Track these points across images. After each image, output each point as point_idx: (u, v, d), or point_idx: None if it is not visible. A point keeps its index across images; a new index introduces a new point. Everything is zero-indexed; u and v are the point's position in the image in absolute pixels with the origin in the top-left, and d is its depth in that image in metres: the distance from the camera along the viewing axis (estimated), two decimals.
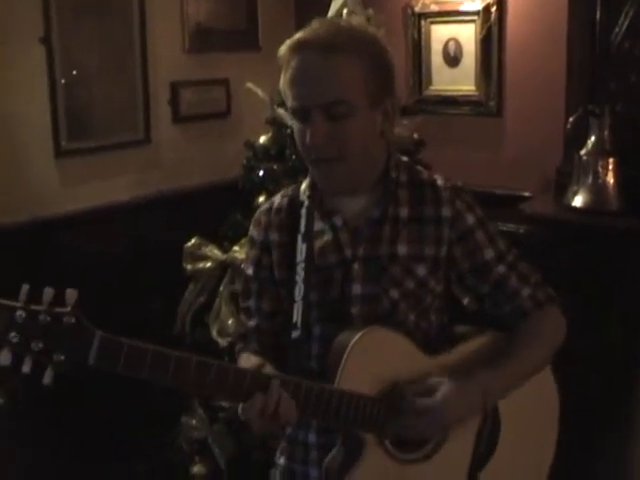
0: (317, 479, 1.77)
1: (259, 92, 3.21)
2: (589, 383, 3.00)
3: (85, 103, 3.52)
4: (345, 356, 1.64)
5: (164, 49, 3.78)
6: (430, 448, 1.72)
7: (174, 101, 3.85)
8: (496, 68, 3.76)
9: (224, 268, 3.19)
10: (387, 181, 1.79)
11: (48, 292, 1.44)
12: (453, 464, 1.75)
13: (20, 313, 1.42)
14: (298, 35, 1.72)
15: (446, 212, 1.78)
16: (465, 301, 1.89)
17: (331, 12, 3.02)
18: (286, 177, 3.05)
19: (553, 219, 3.37)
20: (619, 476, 3.06)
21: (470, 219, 1.80)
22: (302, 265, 1.75)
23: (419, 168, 1.88)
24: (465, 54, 3.84)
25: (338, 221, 1.79)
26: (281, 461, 1.89)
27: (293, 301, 1.75)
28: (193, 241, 3.23)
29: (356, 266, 1.77)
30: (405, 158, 1.89)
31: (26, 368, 1.44)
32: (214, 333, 3.16)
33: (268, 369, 1.66)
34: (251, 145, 3.25)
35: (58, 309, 1.46)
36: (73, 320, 1.46)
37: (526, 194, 3.63)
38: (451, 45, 3.88)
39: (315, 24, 1.73)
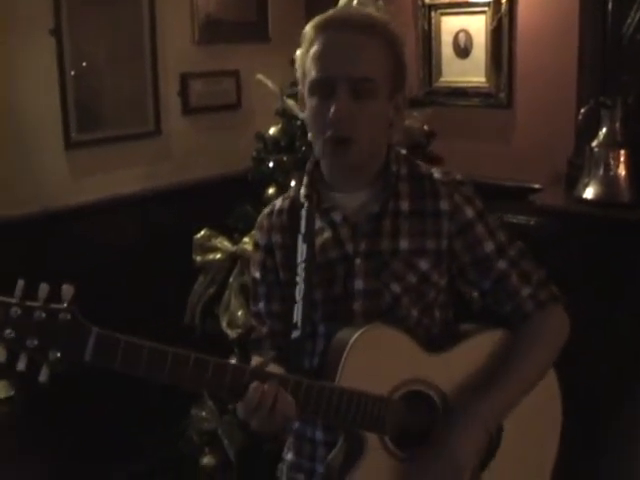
0: (323, 475, 1.77)
1: (269, 84, 3.20)
2: (598, 375, 3.00)
3: (95, 95, 3.52)
4: (345, 354, 1.63)
5: (174, 40, 3.78)
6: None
7: (184, 93, 3.86)
8: (506, 59, 3.75)
9: (234, 260, 3.19)
10: (387, 174, 1.78)
11: (44, 288, 1.43)
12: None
13: (15, 309, 1.42)
14: (326, 15, 1.73)
15: (444, 206, 1.77)
16: (474, 295, 1.88)
17: (341, 3, 3.01)
18: (296, 168, 3.04)
19: (564, 211, 3.36)
20: (623, 473, 3.05)
21: (469, 212, 1.79)
22: (303, 265, 1.75)
23: (418, 162, 1.87)
24: (475, 45, 3.83)
25: (337, 217, 1.78)
26: (289, 456, 1.89)
27: (294, 301, 1.74)
28: (203, 233, 3.23)
29: (358, 261, 1.76)
30: (404, 151, 1.89)
31: (21, 365, 1.43)
32: (224, 325, 3.16)
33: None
34: (261, 137, 3.25)
35: (54, 305, 1.45)
36: (69, 316, 1.45)
37: (536, 186, 3.62)
38: (461, 36, 3.87)
39: (342, 8, 1.75)
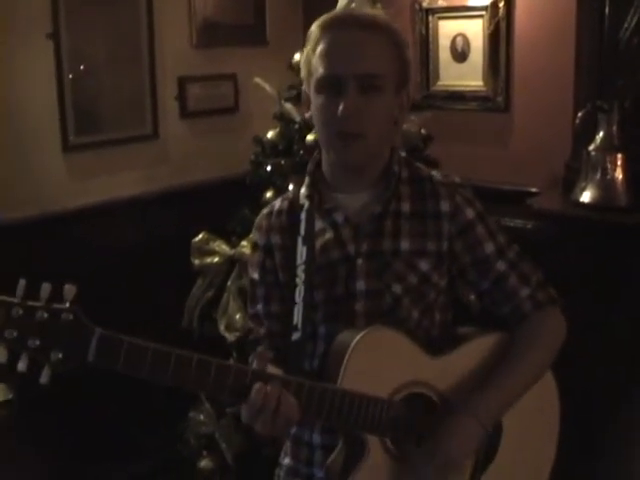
0: (322, 479, 1.77)
1: (267, 87, 3.21)
2: (594, 378, 3.00)
3: (93, 98, 3.52)
4: (347, 356, 1.64)
5: (171, 44, 3.79)
6: None
7: (182, 96, 3.86)
8: (504, 63, 3.75)
9: (232, 263, 3.20)
10: (390, 175, 1.79)
11: (46, 288, 1.42)
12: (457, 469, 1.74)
13: (17, 309, 1.40)
14: (331, 14, 1.75)
15: (445, 207, 1.78)
16: (472, 297, 1.89)
17: (339, 7, 3.01)
18: (294, 172, 3.05)
19: (561, 215, 3.36)
20: (620, 476, 3.06)
21: (470, 213, 1.80)
22: (302, 267, 1.75)
23: (418, 164, 1.88)
24: (473, 49, 3.84)
25: (339, 217, 1.79)
26: (286, 461, 1.88)
27: (294, 303, 1.74)
28: (201, 236, 3.23)
29: (360, 262, 1.76)
30: (404, 154, 1.89)
31: (22, 366, 1.42)
32: (222, 328, 3.16)
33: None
34: (259, 140, 3.25)
35: (56, 305, 1.43)
36: (71, 317, 1.44)
37: (534, 190, 3.63)
38: (459, 40, 3.88)
39: (346, 10, 1.77)
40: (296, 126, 3.12)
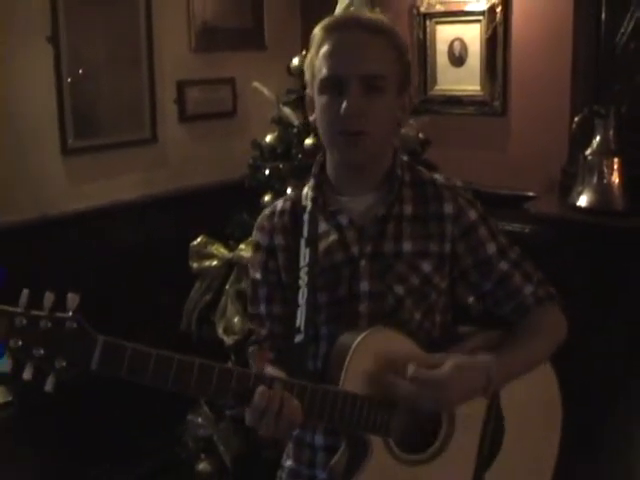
0: None
1: (265, 91, 3.22)
2: (592, 381, 3.01)
3: (92, 102, 3.53)
4: (348, 357, 1.64)
5: (170, 48, 3.80)
6: (435, 449, 1.73)
7: (180, 100, 3.87)
8: (501, 68, 3.76)
9: (230, 266, 3.21)
10: (393, 178, 1.81)
11: (49, 297, 1.42)
12: (458, 465, 1.76)
13: (20, 319, 1.41)
14: (334, 17, 1.78)
15: (448, 209, 1.80)
16: (470, 300, 1.90)
17: (337, 12, 3.03)
18: (292, 176, 3.06)
19: (558, 219, 3.37)
20: (619, 469, 3.07)
21: (472, 215, 1.82)
22: (305, 269, 1.76)
23: (420, 168, 1.89)
24: (470, 54, 3.85)
25: (344, 220, 1.80)
26: (287, 463, 1.89)
27: (297, 305, 1.75)
28: (199, 239, 3.24)
29: (363, 263, 1.77)
30: (406, 158, 1.91)
31: (27, 375, 1.43)
32: (220, 331, 3.17)
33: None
34: (257, 144, 3.26)
35: (59, 314, 1.44)
36: (75, 325, 1.44)
37: (531, 194, 3.63)
38: (456, 45, 3.89)
39: (349, 12, 1.79)
40: (294, 130, 3.13)
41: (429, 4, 3.92)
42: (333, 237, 1.80)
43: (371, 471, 1.66)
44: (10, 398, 2.73)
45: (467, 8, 3.81)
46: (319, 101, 1.75)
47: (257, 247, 1.88)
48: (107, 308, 3.19)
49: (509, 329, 1.83)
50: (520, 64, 3.73)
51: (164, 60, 3.77)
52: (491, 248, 1.81)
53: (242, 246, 3.15)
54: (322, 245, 1.79)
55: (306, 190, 1.86)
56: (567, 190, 3.37)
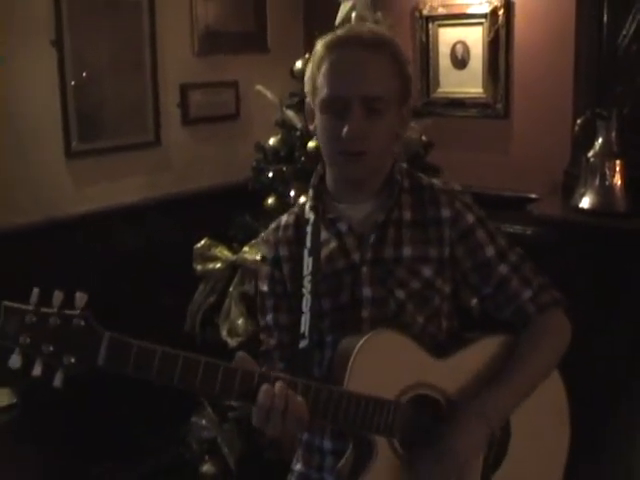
0: None
1: (268, 94, 3.23)
2: (594, 383, 3.02)
3: (95, 105, 3.54)
4: (352, 358, 1.66)
5: (174, 51, 3.81)
6: None
7: (184, 103, 3.88)
8: (503, 70, 3.77)
9: (234, 269, 3.22)
10: (392, 185, 1.83)
11: (58, 295, 1.46)
12: (465, 470, 1.75)
13: (30, 316, 1.45)
14: (337, 33, 1.78)
15: (446, 213, 1.81)
16: (473, 303, 1.91)
17: (340, 15, 3.04)
18: (295, 179, 3.07)
19: (561, 221, 3.38)
20: (621, 470, 3.07)
21: (470, 218, 1.83)
22: (309, 277, 1.79)
23: (419, 174, 1.92)
24: (472, 57, 3.86)
25: (343, 227, 1.83)
26: (297, 467, 1.91)
27: (301, 312, 1.78)
28: (203, 242, 3.25)
29: (364, 269, 1.80)
30: (405, 165, 1.93)
31: (37, 371, 1.46)
32: (224, 333, 3.18)
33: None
34: (261, 147, 3.27)
35: (68, 312, 1.48)
36: (82, 323, 1.48)
37: (533, 196, 3.64)
38: (459, 48, 3.90)
39: (350, 26, 1.80)
40: (297, 133, 3.14)
41: (431, 7, 3.92)
42: (333, 244, 1.83)
43: (376, 472, 1.67)
44: (15, 400, 2.75)
45: (469, 11, 3.82)
46: (320, 118, 1.78)
47: (263, 260, 1.92)
48: (111, 310, 3.19)
49: (512, 340, 1.83)
50: (522, 66, 3.74)
51: (167, 63, 3.78)
52: (490, 251, 1.82)
53: (246, 248, 3.16)
54: (323, 253, 1.82)
55: (306, 202, 1.90)
56: (569, 192, 3.38)
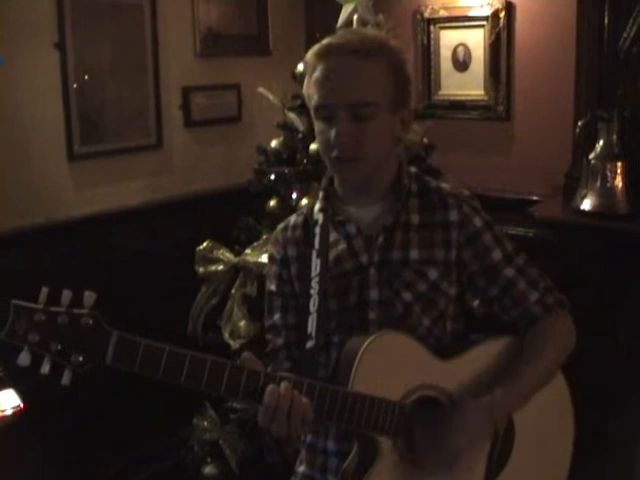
0: None
1: (270, 97, 3.23)
2: (595, 383, 3.02)
3: (98, 107, 3.54)
4: (357, 359, 1.67)
5: (176, 54, 3.81)
6: None
7: (186, 106, 3.88)
8: (505, 73, 3.78)
9: (236, 271, 3.22)
10: (399, 188, 1.84)
11: (67, 294, 1.49)
12: (469, 469, 1.77)
13: (40, 315, 1.47)
14: (326, 41, 1.79)
15: (453, 216, 1.83)
16: (475, 304, 1.92)
17: (341, 18, 3.04)
18: (297, 181, 3.08)
19: (562, 223, 3.38)
20: (623, 476, 3.07)
21: (477, 222, 1.84)
22: (317, 278, 1.80)
23: (426, 178, 1.92)
24: (474, 59, 3.86)
25: (351, 229, 1.84)
26: (301, 469, 1.92)
27: (308, 313, 1.79)
28: (205, 244, 3.25)
29: (372, 271, 1.81)
30: (413, 169, 1.94)
31: (45, 369, 1.48)
32: (226, 335, 3.18)
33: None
34: (263, 149, 3.27)
35: (76, 310, 1.50)
36: (91, 321, 1.50)
37: (535, 198, 3.65)
38: (460, 50, 3.91)
39: (342, 32, 1.82)
40: (300, 135, 3.14)
41: (433, 9, 3.93)
42: (342, 246, 1.84)
43: (380, 472, 1.68)
44: (19, 402, 2.75)
45: (471, 13, 3.83)
46: (315, 124, 1.81)
47: (271, 260, 1.94)
48: (113, 313, 3.20)
49: (519, 341, 1.84)
50: (524, 69, 3.74)
51: (169, 66, 3.78)
52: (497, 255, 1.84)
53: (248, 251, 3.17)
54: (332, 254, 1.84)
55: (317, 203, 1.91)
56: (571, 194, 3.38)
